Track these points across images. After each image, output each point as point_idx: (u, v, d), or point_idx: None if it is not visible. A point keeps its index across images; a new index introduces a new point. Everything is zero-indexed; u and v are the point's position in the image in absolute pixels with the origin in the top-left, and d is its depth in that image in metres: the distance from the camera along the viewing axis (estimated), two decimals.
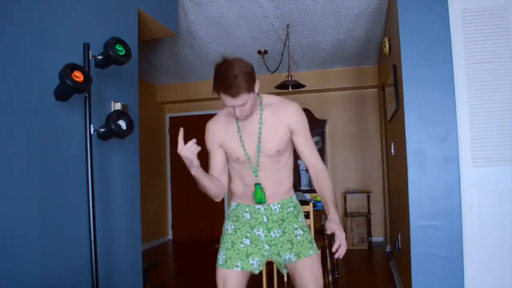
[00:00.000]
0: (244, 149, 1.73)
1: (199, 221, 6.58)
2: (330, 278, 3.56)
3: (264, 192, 1.76)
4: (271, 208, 1.80)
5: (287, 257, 1.75)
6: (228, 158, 1.82)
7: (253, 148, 1.74)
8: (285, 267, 1.80)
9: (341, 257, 1.69)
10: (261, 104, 1.76)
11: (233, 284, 1.69)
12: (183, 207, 6.68)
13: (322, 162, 1.92)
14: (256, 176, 1.76)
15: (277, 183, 1.82)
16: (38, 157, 1.92)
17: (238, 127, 1.76)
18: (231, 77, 1.57)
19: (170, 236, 6.72)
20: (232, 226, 1.84)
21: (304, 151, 1.88)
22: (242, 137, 1.74)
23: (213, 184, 1.77)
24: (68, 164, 2.07)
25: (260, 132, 1.72)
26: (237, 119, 1.69)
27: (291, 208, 1.89)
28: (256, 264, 1.75)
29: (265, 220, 1.79)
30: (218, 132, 1.81)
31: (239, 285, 1.71)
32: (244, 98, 1.58)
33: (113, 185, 2.46)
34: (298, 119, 1.78)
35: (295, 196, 1.96)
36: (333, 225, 1.68)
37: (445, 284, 2.52)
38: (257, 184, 1.76)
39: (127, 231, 2.59)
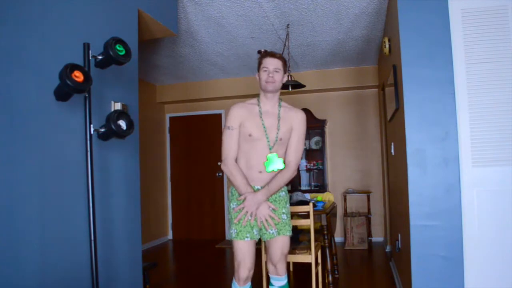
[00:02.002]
0: (265, 130, 2.26)
1: (199, 221, 6.58)
2: (330, 278, 3.56)
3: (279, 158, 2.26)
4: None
5: (271, 231, 2.29)
6: (241, 138, 2.28)
7: (273, 131, 2.27)
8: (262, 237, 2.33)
9: (258, 223, 2.24)
10: (280, 105, 2.35)
11: (247, 250, 2.24)
12: (183, 207, 6.68)
13: (296, 163, 2.35)
14: (270, 150, 2.27)
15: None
16: (38, 157, 1.92)
17: (261, 114, 2.29)
18: (277, 53, 2.30)
19: (170, 236, 6.72)
20: (237, 204, 2.30)
21: (290, 146, 2.34)
22: (264, 122, 2.27)
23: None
24: (68, 164, 2.07)
25: (279, 122, 2.29)
26: (266, 86, 2.23)
27: (283, 193, 2.39)
28: (257, 234, 2.29)
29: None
30: (242, 113, 2.29)
31: (251, 250, 2.27)
32: (280, 65, 2.24)
33: (113, 185, 2.46)
34: (300, 123, 2.34)
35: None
36: (248, 195, 2.21)
37: (445, 284, 2.52)
38: (269, 156, 2.25)
39: (127, 231, 2.59)
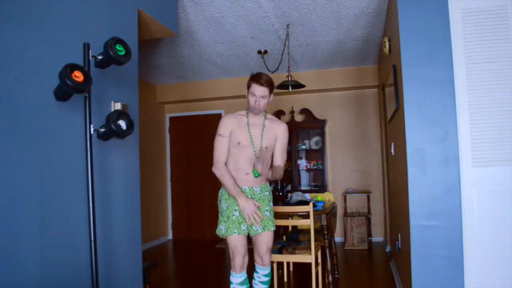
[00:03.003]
0: (252, 140, 2.58)
1: (199, 221, 6.58)
2: (330, 278, 3.56)
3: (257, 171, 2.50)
4: (254, 190, 2.61)
5: (255, 228, 2.57)
6: (230, 145, 2.57)
7: (258, 140, 2.60)
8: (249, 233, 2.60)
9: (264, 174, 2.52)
10: (265, 117, 2.68)
11: (238, 240, 2.53)
12: (183, 207, 6.68)
13: (283, 166, 2.70)
14: (256, 158, 2.53)
15: (264, 168, 2.49)
16: (38, 157, 1.92)
17: (248, 125, 2.61)
18: (264, 76, 2.53)
19: (170, 236, 6.72)
20: (226, 204, 2.59)
21: (276, 153, 2.70)
22: (251, 132, 2.59)
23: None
24: (68, 164, 2.07)
25: (262, 132, 2.62)
26: (253, 110, 2.57)
27: (267, 193, 2.69)
28: (245, 229, 2.56)
29: (249, 197, 2.57)
30: (233, 123, 2.59)
31: (243, 239, 2.55)
32: (266, 92, 2.51)
33: (113, 185, 2.46)
34: (283, 134, 2.69)
35: (269, 184, 2.75)
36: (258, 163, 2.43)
37: (445, 284, 2.52)
38: (254, 170, 2.57)
39: (127, 231, 2.59)
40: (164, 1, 3.21)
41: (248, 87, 2.55)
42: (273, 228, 2.62)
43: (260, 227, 2.57)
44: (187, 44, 4.53)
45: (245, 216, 2.50)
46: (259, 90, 2.48)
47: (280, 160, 2.69)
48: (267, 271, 2.69)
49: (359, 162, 5.97)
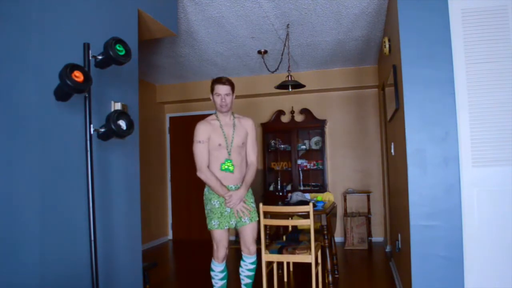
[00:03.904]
0: (226, 139, 2.87)
1: (199, 221, 6.57)
2: (330, 278, 3.56)
3: (233, 165, 2.85)
4: (238, 186, 2.89)
5: (244, 220, 2.88)
6: (210, 148, 2.85)
7: (230, 139, 2.88)
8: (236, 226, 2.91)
9: (240, 213, 2.86)
10: (233, 116, 2.97)
11: (224, 235, 2.86)
12: (183, 207, 6.68)
13: (257, 160, 2.99)
14: (229, 155, 2.85)
15: (240, 165, 2.89)
16: (38, 157, 1.92)
17: (221, 127, 2.89)
18: (224, 77, 2.87)
19: (170, 236, 6.72)
20: (218, 202, 2.85)
21: (249, 147, 2.98)
22: (224, 132, 2.88)
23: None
24: (68, 164, 2.07)
25: (234, 131, 2.91)
26: (221, 109, 2.86)
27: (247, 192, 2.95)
28: (233, 223, 2.87)
29: None
30: (208, 129, 2.87)
31: (226, 235, 2.89)
32: (229, 89, 2.85)
33: (113, 185, 2.46)
34: (252, 128, 2.99)
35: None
36: (232, 193, 2.81)
37: (445, 284, 2.52)
38: (227, 159, 2.85)
39: (127, 231, 2.59)
40: (164, 1, 3.21)
41: (212, 90, 2.87)
42: (257, 219, 2.96)
43: (248, 218, 2.88)
44: (187, 44, 4.53)
45: (234, 211, 2.83)
46: (223, 89, 2.81)
47: (252, 154, 2.97)
48: (253, 259, 2.97)
49: (359, 162, 5.97)
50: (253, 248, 2.95)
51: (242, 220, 2.87)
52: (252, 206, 2.93)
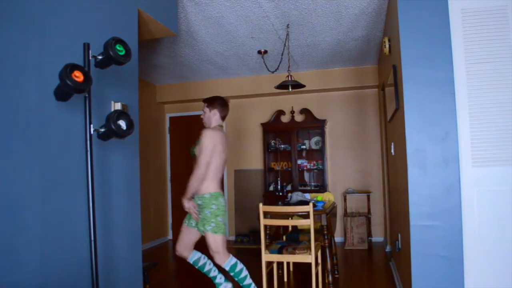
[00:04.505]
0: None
1: None
2: (330, 278, 3.56)
3: None
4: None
5: (193, 223, 3.19)
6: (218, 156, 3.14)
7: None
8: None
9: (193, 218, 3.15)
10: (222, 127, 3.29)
11: (183, 231, 3.26)
12: (183, 207, 6.66)
13: (199, 166, 3.02)
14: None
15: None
16: (38, 157, 1.92)
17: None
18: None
19: (170, 236, 6.72)
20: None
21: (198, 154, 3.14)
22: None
23: None
24: (68, 164, 2.07)
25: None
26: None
27: (208, 195, 3.07)
28: (193, 223, 3.19)
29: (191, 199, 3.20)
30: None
31: (185, 233, 3.24)
32: (203, 106, 3.26)
33: (113, 185, 2.46)
34: (202, 138, 3.07)
35: (208, 194, 3.09)
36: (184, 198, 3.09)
37: (445, 284, 2.52)
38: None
39: (127, 231, 2.59)
40: (164, 1, 3.21)
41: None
42: (210, 231, 3.00)
43: (196, 223, 3.15)
44: (187, 44, 4.53)
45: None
46: (202, 106, 3.31)
47: (199, 161, 3.08)
48: (226, 267, 3.05)
49: (359, 162, 5.97)
50: (216, 258, 3.04)
51: (191, 223, 3.18)
52: (205, 214, 3.03)
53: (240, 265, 3.07)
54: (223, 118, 3.27)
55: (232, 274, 3.03)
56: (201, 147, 3.02)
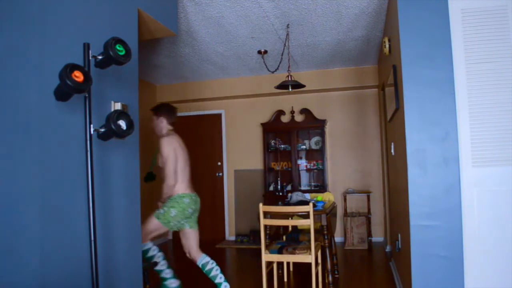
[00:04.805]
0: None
1: (199, 221, 6.55)
2: (330, 278, 3.56)
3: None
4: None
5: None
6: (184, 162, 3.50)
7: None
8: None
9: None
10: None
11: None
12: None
13: (168, 175, 3.29)
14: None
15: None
16: (38, 157, 1.92)
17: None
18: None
19: (170, 236, 6.72)
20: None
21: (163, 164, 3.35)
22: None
23: None
24: (68, 164, 2.07)
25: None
26: None
27: (176, 196, 3.36)
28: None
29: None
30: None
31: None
32: (152, 114, 3.48)
33: (113, 185, 2.46)
34: (161, 148, 3.30)
35: (176, 195, 3.34)
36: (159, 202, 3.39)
37: (445, 284, 2.52)
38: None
39: (127, 231, 2.59)
40: (164, 1, 3.21)
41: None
42: (156, 214, 3.28)
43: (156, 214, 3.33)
44: (187, 44, 4.53)
45: None
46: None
47: (166, 173, 3.33)
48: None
49: (359, 162, 5.97)
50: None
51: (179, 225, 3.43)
52: (164, 210, 3.29)
53: (157, 258, 3.35)
54: (171, 124, 3.48)
55: (145, 262, 3.18)
56: (164, 158, 3.24)
